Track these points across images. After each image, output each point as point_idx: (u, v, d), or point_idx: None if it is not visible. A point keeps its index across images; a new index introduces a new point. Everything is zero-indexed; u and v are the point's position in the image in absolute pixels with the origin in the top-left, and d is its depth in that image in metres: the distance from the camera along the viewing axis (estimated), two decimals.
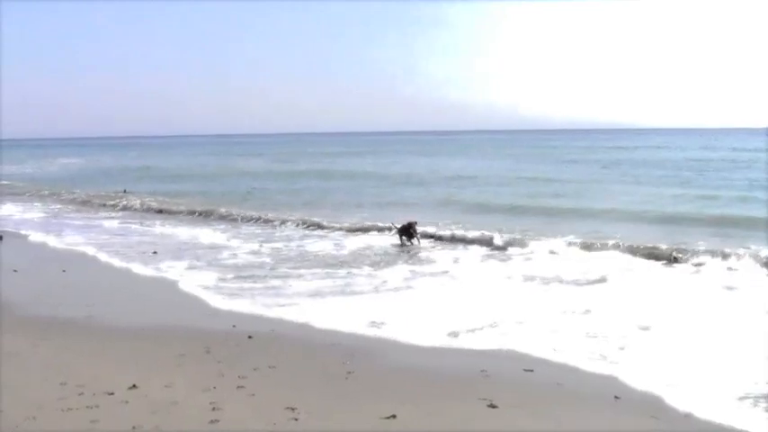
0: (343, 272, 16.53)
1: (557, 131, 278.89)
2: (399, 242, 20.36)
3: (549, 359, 9.93)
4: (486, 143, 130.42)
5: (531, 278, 15.46)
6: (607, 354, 10.04)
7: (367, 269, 16.90)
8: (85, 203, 34.27)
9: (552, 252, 18.44)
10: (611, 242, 18.90)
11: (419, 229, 20.60)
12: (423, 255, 18.83)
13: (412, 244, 20.17)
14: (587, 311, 12.40)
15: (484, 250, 19.15)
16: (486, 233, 20.75)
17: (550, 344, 10.57)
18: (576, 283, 14.99)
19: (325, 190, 39.02)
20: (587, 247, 18.78)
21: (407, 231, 20.26)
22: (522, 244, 19.43)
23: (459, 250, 19.30)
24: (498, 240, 19.84)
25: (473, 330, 11.38)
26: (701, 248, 17.65)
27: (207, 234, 23.23)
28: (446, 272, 16.44)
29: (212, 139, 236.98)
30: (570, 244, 19.16)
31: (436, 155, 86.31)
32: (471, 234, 21.02)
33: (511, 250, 18.83)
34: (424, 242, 20.53)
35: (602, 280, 15.10)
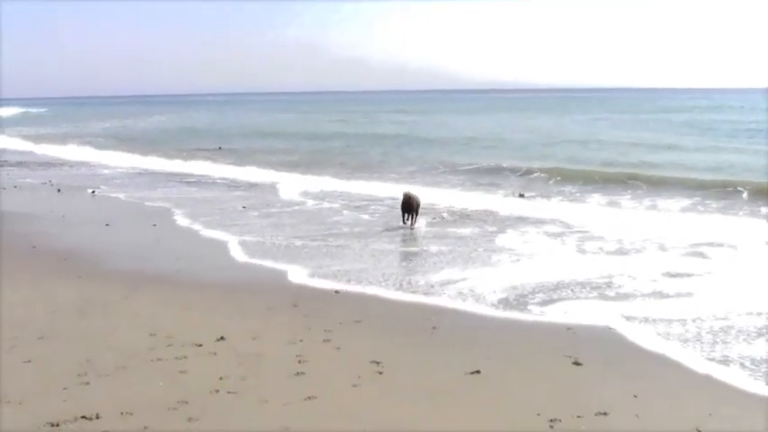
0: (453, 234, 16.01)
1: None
2: (401, 220, 17.19)
3: (637, 318, 9.67)
4: (521, 102, 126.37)
5: (633, 243, 14.66)
6: (699, 318, 9.64)
7: (483, 230, 16.33)
8: (178, 161, 34.54)
9: (659, 216, 17.83)
10: (721, 208, 18.66)
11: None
12: (529, 217, 17.74)
13: (411, 221, 17.09)
14: (689, 275, 11.94)
15: (580, 219, 17.46)
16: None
17: (642, 305, 10.31)
18: (682, 248, 14.20)
19: (407, 152, 37.33)
20: (697, 213, 18.31)
21: (409, 205, 17.08)
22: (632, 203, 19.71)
23: (568, 215, 17.96)
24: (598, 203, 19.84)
25: (563, 289, 11.20)
26: None
27: (301, 190, 23.46)
28: (547, 235, 15.74)
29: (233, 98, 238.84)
30: (683, 210, 18.84)
31: (476, 113, 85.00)
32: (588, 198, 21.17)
33: (604, 221, 17.29)
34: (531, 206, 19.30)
35: (716, 246, 14.24)
